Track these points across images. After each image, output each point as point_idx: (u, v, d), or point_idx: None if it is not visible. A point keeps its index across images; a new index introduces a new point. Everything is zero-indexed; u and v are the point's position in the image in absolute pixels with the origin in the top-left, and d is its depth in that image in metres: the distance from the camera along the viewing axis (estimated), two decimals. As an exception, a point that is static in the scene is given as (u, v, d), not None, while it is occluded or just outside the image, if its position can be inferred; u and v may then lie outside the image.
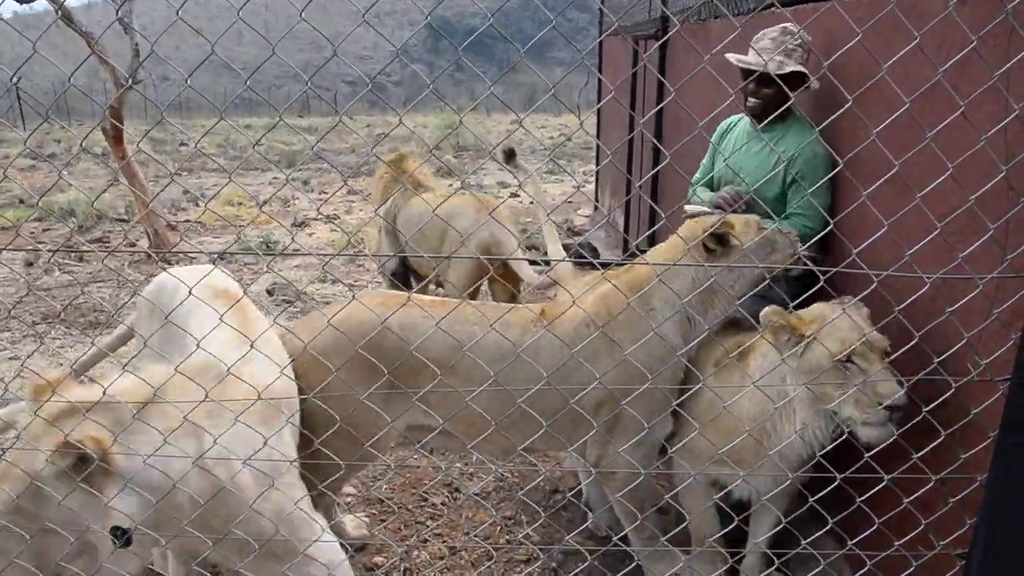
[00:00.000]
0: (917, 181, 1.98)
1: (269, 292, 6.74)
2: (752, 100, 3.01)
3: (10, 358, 5.40)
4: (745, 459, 2.47)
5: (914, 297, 1.80)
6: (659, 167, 2.32)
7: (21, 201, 12.44)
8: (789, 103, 2.10)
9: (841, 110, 1.78)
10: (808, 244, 2.65)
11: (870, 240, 1.83)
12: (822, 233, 2.81)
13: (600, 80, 9.98)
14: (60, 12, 6.78)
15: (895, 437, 2.07)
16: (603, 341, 2.60)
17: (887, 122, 1.75)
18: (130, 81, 6.90)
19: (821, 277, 1.76)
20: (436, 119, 26.66)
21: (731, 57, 2.99)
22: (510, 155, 3.74)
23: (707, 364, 2.74)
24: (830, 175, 2.80)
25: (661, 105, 2.92)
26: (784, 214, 2.89)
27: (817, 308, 2.35)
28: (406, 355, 2.49)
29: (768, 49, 2.88)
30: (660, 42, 5.65)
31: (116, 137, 7.72)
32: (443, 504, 3.57)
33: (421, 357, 2.41)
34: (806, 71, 2.82)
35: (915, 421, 1.94)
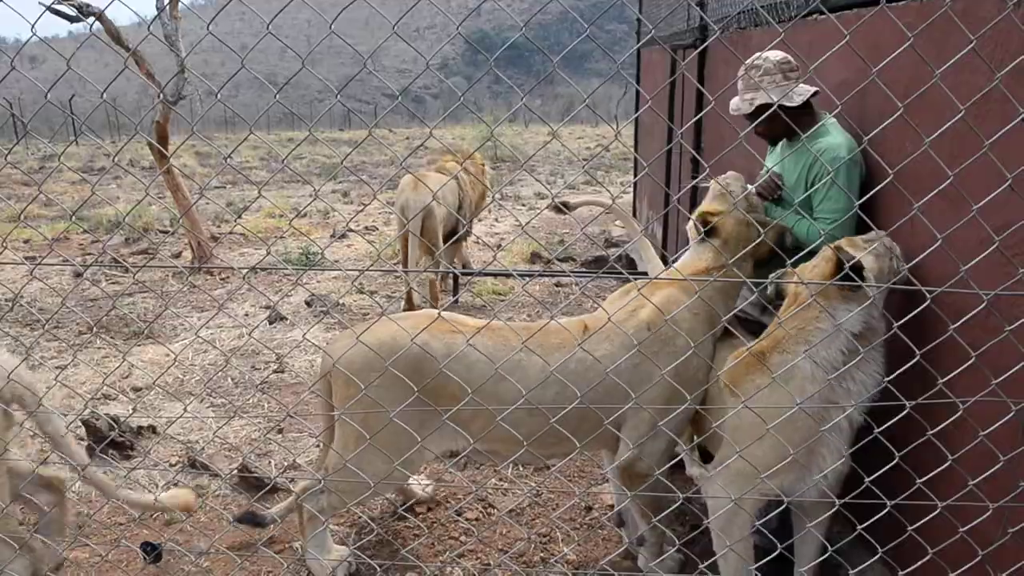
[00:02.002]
0: (969, 193, 1.89)
1: (308, 303, 6.80)
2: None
3: (57, 367, 5.52)
4: (793, 466, 2.37)
5: (970, 316, 1.70)
6: (698, 179, 2.26)
7: (74, 214, 12.80)
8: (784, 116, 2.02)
9: (892, 117, 1.71)
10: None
11: (922, 255, 1.74)
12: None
13: (637, 91, 9.91)
14: (108, 30, 6.98)
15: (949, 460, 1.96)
16: (667, 343, 2.69)
17: (938, 132, 1.66)
18: (164, 96, 7.03)
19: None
20: (474, 131, 26.79)
21: (731, 110, 3.06)
22: (563, 207, 3.84)
23: (721, 381, 2.66)
24: (854, 181, 2.79)
25: (700, 115, 2.85)
26: (804, 217, 2.89)
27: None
28: (447, 381, 2.57)
29: (742, 90, 3.00)
30: (699, 50, 5.57)
31: (162, 151, 7.89)
32: (477, 520, 3.53)
33: (462, 384, 2.41)
34: (775, 98, 2.84)
35: (972, 445, 1.84)
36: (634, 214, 10.80)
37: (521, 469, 3.95)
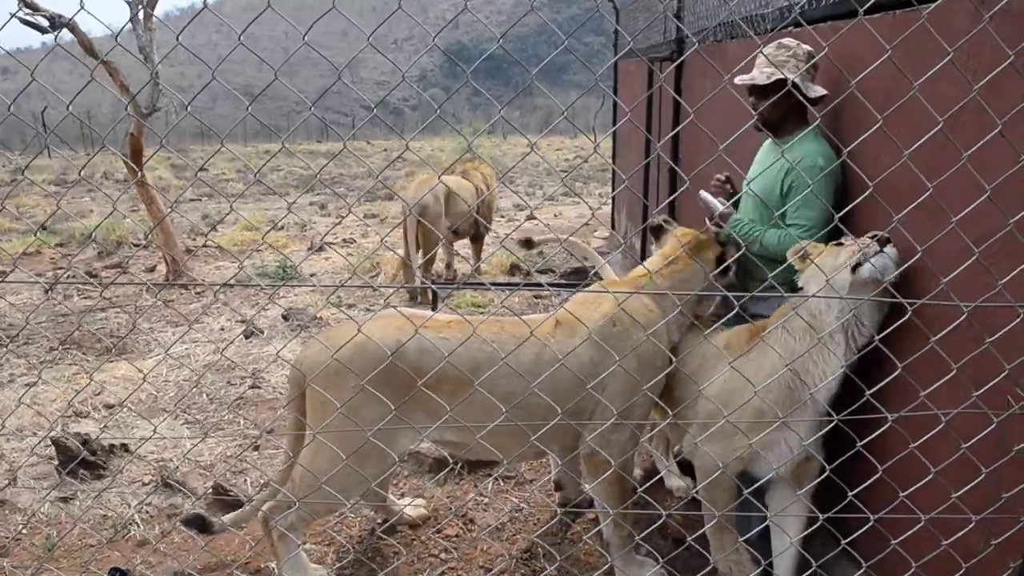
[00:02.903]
0: (947, 204, 1.89)
1: (284, 317, 6.71)
2: (755, 115, 3.08)
3: (25, 385, 5.39)
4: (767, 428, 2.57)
5: (950, 328, 1.70)
6: (678, 192, 2.25)
7: (43, 227, 12.60)
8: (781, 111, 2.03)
9: (871, 129, 1.70)
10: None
11: (902, 267, 1.73)
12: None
13: (615, 102, 9.97)
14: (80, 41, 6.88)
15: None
16: (626, 338, 2.85)
17: (918, 144, 1.66)
18: (137, 108, 6.94)
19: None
20: (453, 142, 26.78)
21: (737, 80, 3.04)
22: (527, 243, 4.19)
23: (708, 357, 2.92)
24: (832, 188, 2.82)
25: (678, 128, 2.87)
26: (779, 223, 2.93)
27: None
28: (421, 376, 2.65)
29: (762, 64, 2.96)
30: (675, 64, 5.61)
31: (136, 164, 7.77)
32: (457, 537, 3.47)
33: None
34: (797, 80, 2.79)
35: (954, 458, 1.84)
36: (612, 226, 10.82)
37: (502, 484, 3.90)
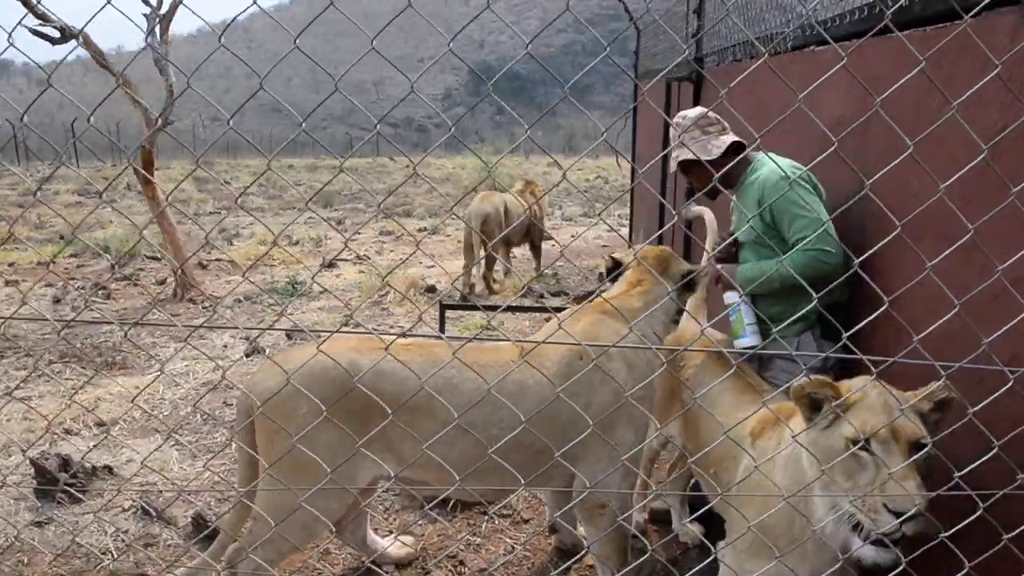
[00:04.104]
0: (980, 239, 1.67)
1: (288, 336, 6.57)
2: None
3: (21, 398, 5.27)
4: (780, 547, 2.12)
5: (995, 396, 1.45)
6: (667, 226, 2.05)
7: (61, 237, 12.65)
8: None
9: (903, 155, 1.49)
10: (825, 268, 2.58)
11: (935, 324, 1.50)
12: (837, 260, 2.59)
13: (635, 124, 9.81)
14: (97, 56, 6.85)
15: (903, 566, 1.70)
16: (596, 371, 2.57)
17: (960, 173, 1.45)
18: (159, 122, 6.88)
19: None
20: (475, 160, 26.77)
21: (670, 171, 3.11)
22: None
23: (744, 434, 2.42)
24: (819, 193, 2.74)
25: (664, 152, 2.70)
26: (787, 250, 2.74)
27: (859, 380, 2.01)
28: (381, 400, 2.32)
29: (672, 149, 3.01)
30: (665, 84, 5.42)
31: (147, 177, 7.72)
32: (446, 579, 3.26)
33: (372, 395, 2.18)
34: (689, 156, 2.89)
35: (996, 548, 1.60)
36: (630, 246, 10.59)
37: (497, 522, 3.69)
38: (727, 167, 2.83)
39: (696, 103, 5.50)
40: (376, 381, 2.47)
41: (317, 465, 2.20)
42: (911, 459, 1.69)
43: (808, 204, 2.63)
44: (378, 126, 1.67)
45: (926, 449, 1.71)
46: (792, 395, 1.93)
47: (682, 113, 3.01)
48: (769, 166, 2.82)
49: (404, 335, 1.66)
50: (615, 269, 3.15)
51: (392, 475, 2.63)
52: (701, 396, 2.21)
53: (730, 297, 2.92)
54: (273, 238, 11.91)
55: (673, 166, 2.99)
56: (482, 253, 8.41)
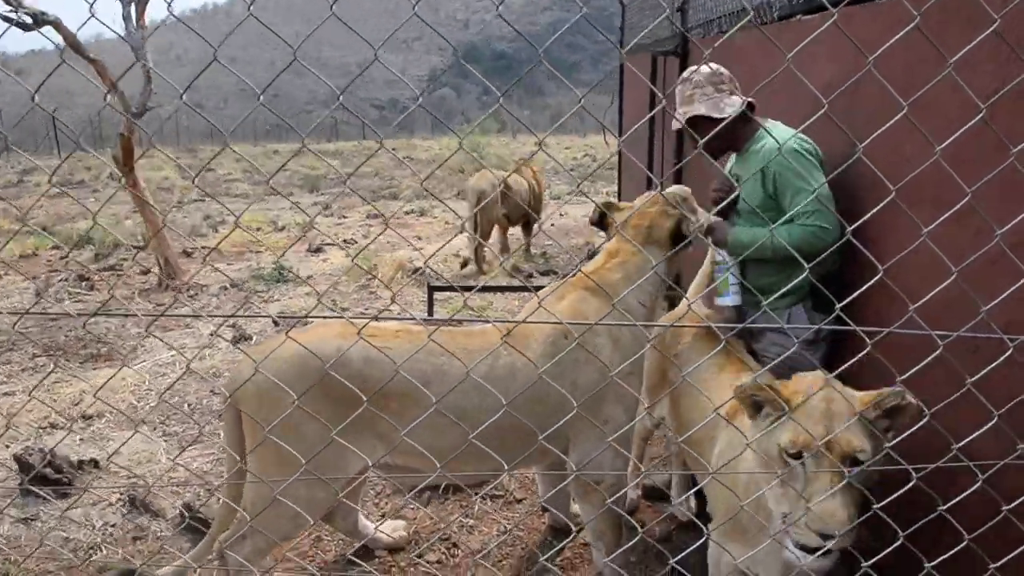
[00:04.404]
0: (974, 204, 1.63)
1: (275, 322, 6.50)
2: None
3: (3, 393, 5.20)
4: (750, 532, 2.10)
5: (995, 364, 1.42)
6: (650, 192, 2.00)
7: (44, 228, 12.47)
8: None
9: (896, 116, 1.44)
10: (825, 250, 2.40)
11: (932, 291, 1.47)
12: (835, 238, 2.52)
13: (622, 99, 9.71)
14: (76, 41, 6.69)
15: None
16: (581, 350, 2.54)
17: (958, 134, 1.40)
18: (123, 103, 6.74)
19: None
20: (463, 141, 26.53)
21: (673, 127, 2.99)
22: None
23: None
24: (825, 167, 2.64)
25: (651, 113, 2.64)
26: (785, 218, 2.65)
27: (811, 378, 1.87)
28: (366, 389, 2.31)
29: (677, 106, 2.90)
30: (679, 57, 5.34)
31: (127, 164, 7.58)
32: (439, 563, 3.23)
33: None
34: (704, 111, 2.78)
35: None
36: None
37: (490, 504, 3.66)
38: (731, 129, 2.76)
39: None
40: (364, 368, 2.43)
41: (305, 455, 2.16)
42: (848, 471, 1.63)
43: (814, 179, 2.56)
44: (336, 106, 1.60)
45: (860, 467, 1.63)
46: (735, 395, 1.87)
47: (694, 68, 2.88)
48: (781, 133, 2.73)
49: (376, 318, 1.61)
50: (604, 222, 3.01)
51: (384, 462, 2.60)
52: (687, 374, 2.17)
53: (720, 255, 2.89)
54: (259, 225, 11.78)
55: (680, 123, 2.86)
56: (479, 231, 8.58)
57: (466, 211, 8.70)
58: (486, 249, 8.68)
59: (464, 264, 8.56)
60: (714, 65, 2.82)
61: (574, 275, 2.89)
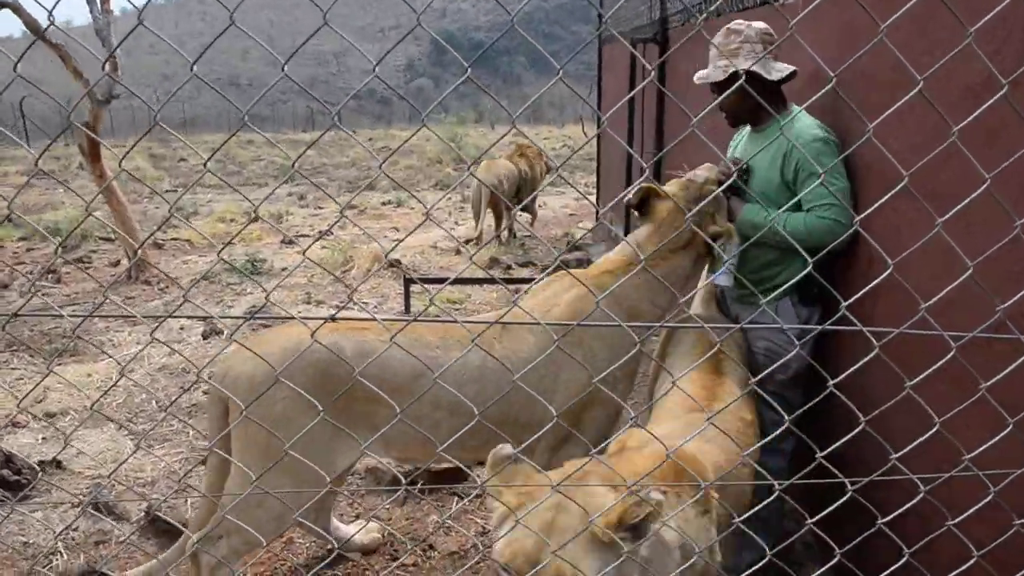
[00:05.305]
0: (961, 197, 1.56)
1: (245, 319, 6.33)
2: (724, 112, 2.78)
3: (-36, 392, 5.01)
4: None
5: (1012, 368, 1.34)
6: (638, 183, 1.91)
7: (9, 219, 12.14)
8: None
9: (897, 105, 1.36)
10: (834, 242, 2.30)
11: (938, 295, 1.39)
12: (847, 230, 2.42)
13: (600, 90, 9.63)
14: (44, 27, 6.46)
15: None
16: (578, 345, 2.55)
17: (972, 117, 1.32)
18: (88, 95, 6.53)
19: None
20: (440, 130, 26.34)
21: (696, 79, 2.75)
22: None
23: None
24: (839, 157, 2.43)
25: (633, 92, 2.55)
26: (794, 201, 2.50)
27: (569, 467, 1.63)
28: (360, 383, 2.21)
29: (715, 57, 2.66)
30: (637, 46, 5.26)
31: (93, 154, 7.37)
32: (415, 566, 3.14)
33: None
34: (755, 67, 2.51)
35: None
36: (597, 215, 10.51)
37: (467, 504, 3.57)
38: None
39: (662, 65, 5.35)
40: (357, 363, 2.35)
41: (298, 450, 2.08)
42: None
43: (839, 172, 2.46)
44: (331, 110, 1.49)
45: None
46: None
47: (743, 21, 2.61)
48: (805, 122, 2.56)
49: (332, 319, 1.52)
50: (644, 206, 2.80)
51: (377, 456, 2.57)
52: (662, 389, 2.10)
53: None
54: (238, 216, 11.56)
55: (719, 76, 2.61)
56: (488, 219, 9.28)
57: (477, 199, 9.20)
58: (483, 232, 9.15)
59: (468, 241, 9.27)
60: (765, 23, 2.61)
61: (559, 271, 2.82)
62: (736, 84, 1.37)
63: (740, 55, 2.55)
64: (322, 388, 2.29)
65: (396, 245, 1.32)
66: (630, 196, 2.75)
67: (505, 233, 9.70)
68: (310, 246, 1.68)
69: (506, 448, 1.61)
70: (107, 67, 7.04)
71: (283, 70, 1.01)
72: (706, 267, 2.85)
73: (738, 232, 2.64)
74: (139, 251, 7.95)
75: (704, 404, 2.23)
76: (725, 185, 2.67)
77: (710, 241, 2.58)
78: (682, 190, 2.72)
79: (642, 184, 2.75)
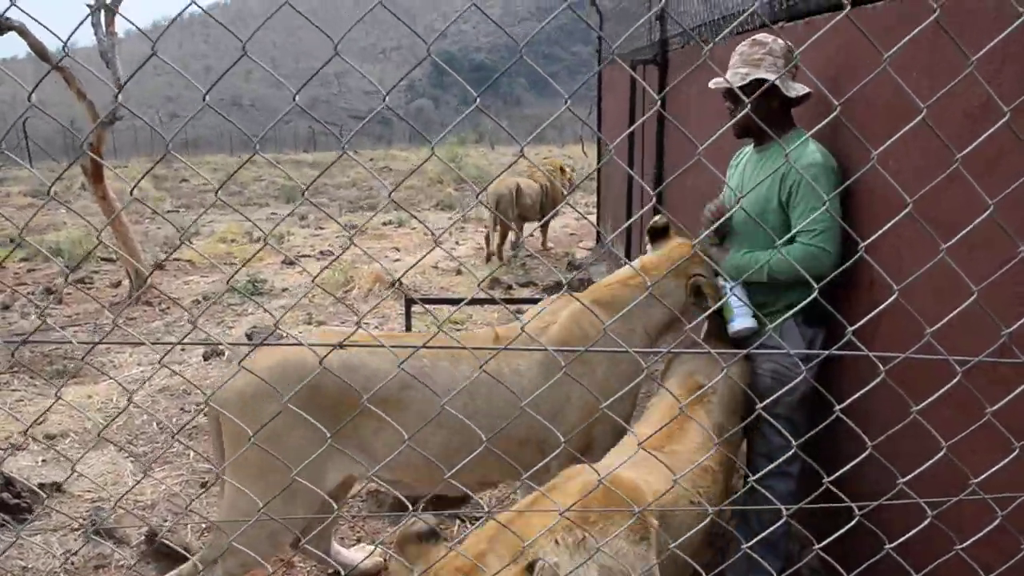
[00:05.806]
0: (965, 223, 1.57)
1: (248, 336, 6.34)
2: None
3: (-36, 414, 4.99)
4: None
5: (1017, 392, 1.35)
6: (643, 211, 1.92)
7: (11, 240, 12.18)
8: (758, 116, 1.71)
9: (906, 128, 1.37)
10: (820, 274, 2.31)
11: (941, 319, 1.40)
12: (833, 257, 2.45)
13: (600, 109, 9.70)
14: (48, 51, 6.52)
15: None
16: (580, 363, 2.52)
17: (971, 146, 1.33)
18: (91, 117, 6.58)
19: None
20: (441, 151, 26.48)
21: (711, 84, 2.78)
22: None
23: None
24: (839, 187, 2.48)
25: (632, 126, 2.57)
26: (788, 236, 2.50)
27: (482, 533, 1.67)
28: (348, 396, 2.32)
29: (736, 64, 2.67)
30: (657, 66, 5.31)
31: (95, 175, 7.41)
32: (417, 589, 3.11)
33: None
34: (775, 79, 2.40)
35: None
36: (597, 236, 10.55)
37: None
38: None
39: (661, 86, 5.39)
40: (347, 376, 2.37)
41: (285, 469, 2.07)
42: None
43: (832, 201, 2.46)
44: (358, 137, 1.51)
45: None
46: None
47: (769, 36, 2.65)
48: (811, 146, 2.56)
49: (341, 345, 1.52)
50: (660, 235, 2.97)
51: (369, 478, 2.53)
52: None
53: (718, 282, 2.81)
54: (240, 236, 11.59)
55: (739, 81, 2.59)
56: (497, 230, 9.58)
57: (487, 213, 9.62)
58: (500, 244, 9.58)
59: (488, 257, 9.62)
60: (788, 42, 2.65)
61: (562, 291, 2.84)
62: (761, 88, 1.42)
63: (762, 66, 2.58)
64: (311, 402, 2.29)
65: (407, 270, 1.32)
66: (656, 220, 2.96)
67: (509, 248, 9.91)
68: (320, 273, 1.68)
69: (417, 524, 1.61)
70: (117, 94, 7.09)
71: (294, 99, 1.02)
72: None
73: (732, 277, 2.70)
74: (148, 279, 7.96)
75: (661, 444, 2.21)
76: (711, 230, 2.69)
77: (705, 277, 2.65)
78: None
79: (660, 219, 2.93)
